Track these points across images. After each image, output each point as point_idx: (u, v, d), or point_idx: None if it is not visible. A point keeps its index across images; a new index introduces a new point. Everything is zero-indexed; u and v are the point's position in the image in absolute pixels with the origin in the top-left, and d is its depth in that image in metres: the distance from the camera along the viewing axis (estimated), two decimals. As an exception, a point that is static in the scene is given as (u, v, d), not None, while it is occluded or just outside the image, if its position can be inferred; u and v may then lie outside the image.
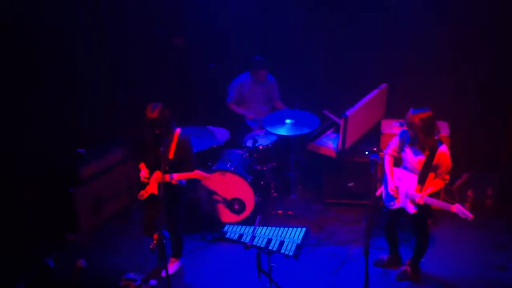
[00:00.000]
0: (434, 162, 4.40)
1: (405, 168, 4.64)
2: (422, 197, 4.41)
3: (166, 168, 4.49)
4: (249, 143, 5.92)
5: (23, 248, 5.50)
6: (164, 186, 4.41)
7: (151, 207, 4.90)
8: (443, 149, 4.40)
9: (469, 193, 6.00)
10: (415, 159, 4.51)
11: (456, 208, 4.27)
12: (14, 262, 5.30)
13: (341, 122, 5.53)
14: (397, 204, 4.68)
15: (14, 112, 5.65)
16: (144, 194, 4.89)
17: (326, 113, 6.25)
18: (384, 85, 6.11)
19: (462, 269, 5.09)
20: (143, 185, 4.90)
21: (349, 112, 5.53)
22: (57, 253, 5.38)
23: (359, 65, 6.56)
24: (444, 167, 4.43)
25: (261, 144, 5.90)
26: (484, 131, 6.48)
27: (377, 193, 4.90)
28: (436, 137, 4.42)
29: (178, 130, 4.81)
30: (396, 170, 4.73)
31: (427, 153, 4.41)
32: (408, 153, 4.58)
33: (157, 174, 4.78)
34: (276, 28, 6.77)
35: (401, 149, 4.65)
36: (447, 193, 6.04)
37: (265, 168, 5.94)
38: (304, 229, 4.36)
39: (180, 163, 4.76)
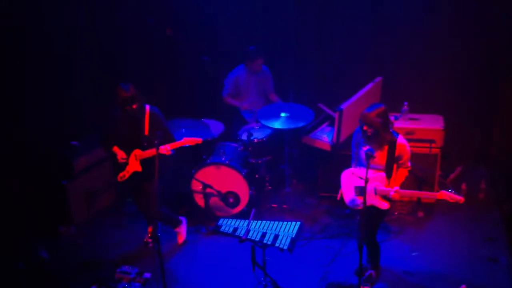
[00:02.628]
0: (396, 154, 4.41)
1: (364, 166, 4.49)
2: (397, 191, 4.37)
3: (156, 142, 4.45)
4: (244, 136, 5.92)
5: (16, 241, 5.48)
6: (145, 162, 4.62)
7: (138, 195, 5.15)
8: (401, 140, 4.42)
9: (463, 186, 6.04)
10: (371, 153, 4.41)
11: (443, 194, 4.24)
12: (7, 254, 5.29)
13: (336, 115, 5.53)
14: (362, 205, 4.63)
15: (8, 105, 5.62)
16: (125, 174, 5.04)
17: (321, 107, 6.25)
18: (379, 79, 6.11)
19: (454, 261, 5.13)
20: (121, 168, 5.03)
21: (343, 106, 5.52)
22: (49, 246, 5.40)
23: (354, 59, 6.55)
24: (405, 156, 4.45)
25: (256, 138, 5.90)
26: (477, 125, 6.51)
27: (338, 197, 4.84)
28: (391, 130, 4.42)
29: (147, 106, 4.96)
30: (356, 170, 4.62)
31: (386, 147, 4.41)
32: (363, 149, 4.50)
33: (137, 152, 4.95)
34: (269, 21, 6.74)
35: (358, 150, 4.60)
36: (441, 187, 6.07)
37: (259, 162, 5.94)
38: (298, 223, 4.37)
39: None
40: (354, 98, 5.71)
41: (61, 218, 5.80)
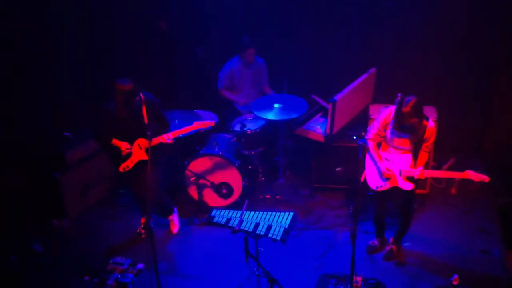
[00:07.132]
0: (425, 136, 4.50)
1: (392, 146, 4.66)
2: (422, 172, 4.46)
3: (149, 133, 4.58)
4: (237, 128, 5.90)
5: (9, 234, 5.45)
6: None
7: (139, 183, 5.06)
8: (432, 123, 4.51)
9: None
10: (404, 138, 4.55)
11: (469, 174, 4.33)
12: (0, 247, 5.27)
13: (329, 107, 5.53)
14: (388, 185, 4.70)
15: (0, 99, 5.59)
16: (129, 164, 5.04)
17: (315, 98, 6.23)
18: (372, 70, 6.10)
19: (447, 252, 5.15)
20: (122, 159, 5.02)
21: (337, 97, 5.52)
22: (42, 239, 5.38)
23: (348, 50, 6.52)
24: (431, 140, 4.56)
25: (249, 129, 5.88)
26: (471, 116, 6.51)
27: (361, 179, 4.90)
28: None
29: (141, 94, 4.95)
30: (383, 153, 4.74)
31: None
32: (394, 133, 4.58)
33: (140, 141, 4.98)
34: (263, 12, 6.69)
35: (384, 130, 4.65)
36: (434, 178, 6.08)
37: (253, 153, 5.92)
38: (291, 213, 4.36)
39: (156, 124, 4.94)
40: (348, 89, 5.71)
41: (55, 211, 5.76)
